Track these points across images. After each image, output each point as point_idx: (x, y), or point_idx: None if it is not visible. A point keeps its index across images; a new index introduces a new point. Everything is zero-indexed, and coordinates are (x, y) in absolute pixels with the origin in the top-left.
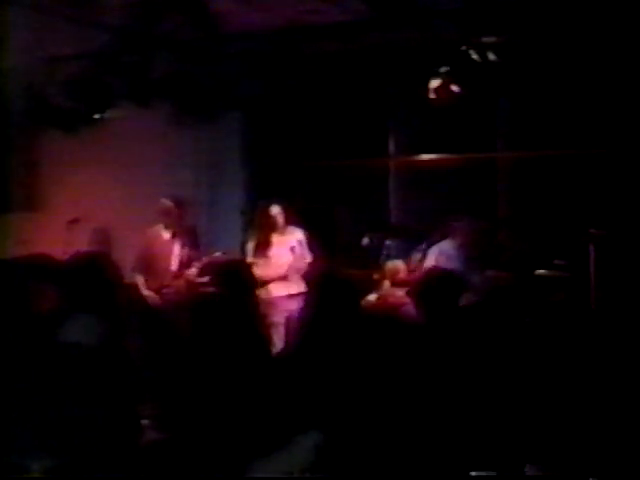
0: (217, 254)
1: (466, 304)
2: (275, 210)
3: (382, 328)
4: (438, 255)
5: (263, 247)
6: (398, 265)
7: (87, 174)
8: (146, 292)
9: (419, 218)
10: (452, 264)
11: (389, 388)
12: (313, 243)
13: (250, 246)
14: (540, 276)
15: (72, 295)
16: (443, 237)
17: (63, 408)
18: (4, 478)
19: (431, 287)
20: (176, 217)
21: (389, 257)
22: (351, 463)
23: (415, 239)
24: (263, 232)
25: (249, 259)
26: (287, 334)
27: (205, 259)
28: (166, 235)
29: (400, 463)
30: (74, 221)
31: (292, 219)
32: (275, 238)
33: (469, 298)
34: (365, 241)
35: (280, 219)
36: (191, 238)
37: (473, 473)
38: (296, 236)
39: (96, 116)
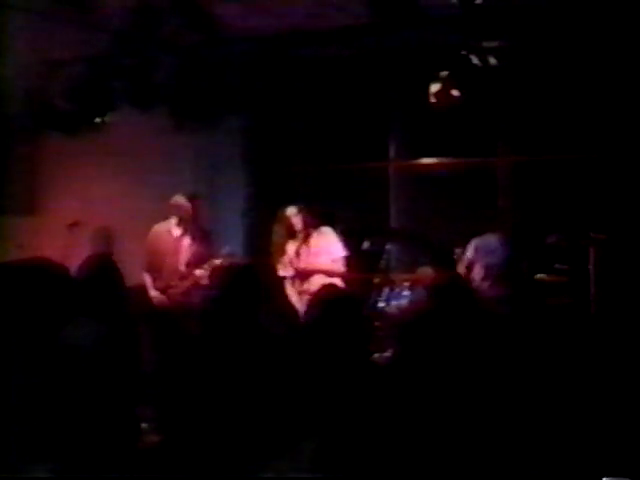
0: (222, 258)
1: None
2: (291, 212)
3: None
4: (480, 247)
5: (282, 256)
6: (428, 271)
7: (87, 177)
8: (153, 292)
9: (419, 222)
10: (492, 258)
11: (389, 394)
12: (345, 244)
13: (277, 261)
14: (541, 281)
15: (72, 299)
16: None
17: (63, 411)
18: (4, 478)
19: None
20: (189, 214)
21: (389, 261)
22: (351, 469)
23: (416, 242)
24: (280, 239)
25: (280, 274)
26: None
27: (214, 262)
28: (176, 232)
29: (400, 468)
30: (74, 224)
31: (314, 222)
32: (295, 244)
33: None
34: (365, 245)
35: (297, 222)
36: (202, 237)
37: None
38: (322, 242)
39: (97, 120)
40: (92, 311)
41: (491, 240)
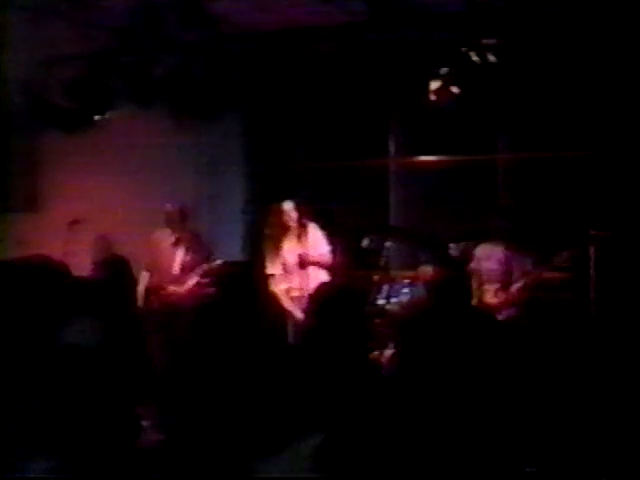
0: (217, 262)
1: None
2: (287, 206)
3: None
4: (481, 254)
5: (277, 254)
6: (428, 270)
7: (87, 175)
8: (146, 293)
9: (419, 219)
10: (493, 264)
11: (389, 391)
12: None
13: (266, 257)
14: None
15: (72, 297)
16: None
17: (63, 410)
18: (4, 478)
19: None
20: (180, 222)
21: (389, 259)
22: (351, 466)
23: (415, 240)
24: (274, 234)
25: (268, 271)
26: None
27: (206, 266)
28: (170, 239)
29: (400, 466)
30: (74, 223)
31: (308, 218)
32: (287, 241)
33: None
34: (365, 242)
35: (292, 217)
36: (195, 244)
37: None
38: (310, 238)
39: (96, 117)
40: (93, 310)
41: (489, 246)
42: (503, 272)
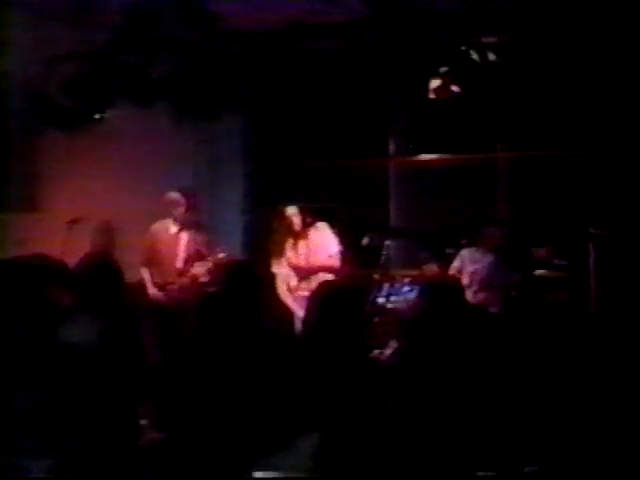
0: (221, 255)
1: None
2: (292, 211)
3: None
4: (466, 256)
5: (283, 255)
6: (433, 268)
7: (87, 174)
8: (150, 289)
9: (419, 218)
10: (476, 267)
11: (388, 390)
12: (344, 239)
13: (272, 258)
14: (540, 276)
15: (72, 295)
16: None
17: (63, 408)
18: (4, 478)
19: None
20: (182, 210)
21: (389, 257)
22: (350, 465)
23: (416, 240)
24: (280, 237)
25: (274, 270)
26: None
27: (211, 259)
28: (173, 229)
29: (399, 464)
30: (74, 221)
31: (313, 221)
32: (294, 244)
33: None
34: (365, 241)
35: (297, 221)
36: (199, 233)
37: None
38: (318, 238)
39: (96, 116)
40: (91, 308)
41: (477, 250)
42: (486, 276)
